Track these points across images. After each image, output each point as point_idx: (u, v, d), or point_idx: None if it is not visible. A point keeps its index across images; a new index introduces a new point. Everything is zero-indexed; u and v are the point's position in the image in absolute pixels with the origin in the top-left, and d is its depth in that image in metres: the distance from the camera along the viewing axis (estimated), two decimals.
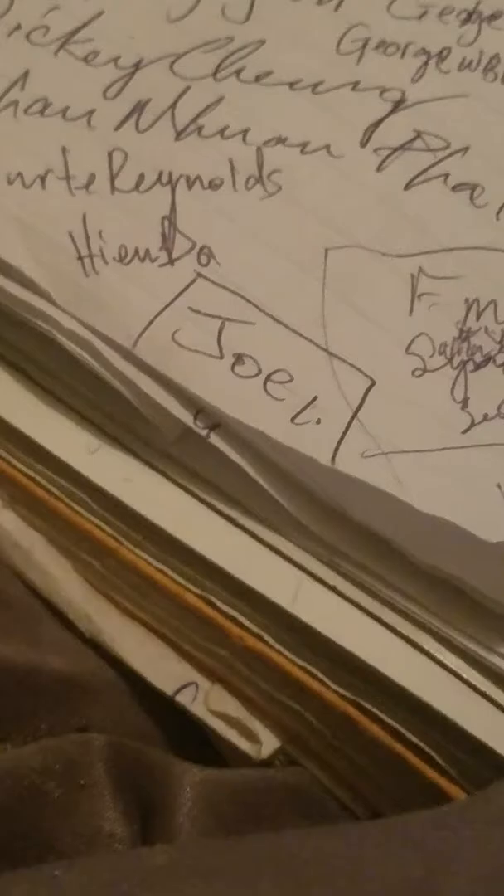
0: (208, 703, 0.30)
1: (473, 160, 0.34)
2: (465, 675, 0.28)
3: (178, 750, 0.30)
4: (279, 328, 0.31)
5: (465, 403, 0.30)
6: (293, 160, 0.34)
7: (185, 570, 0.30)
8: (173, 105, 0.34)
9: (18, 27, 0.36)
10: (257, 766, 0.30)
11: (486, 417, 0.30)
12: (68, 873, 0.24)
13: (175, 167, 0.33)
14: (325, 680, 0.29)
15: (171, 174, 0.33)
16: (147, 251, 0.32)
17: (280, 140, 0.34)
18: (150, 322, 0.31)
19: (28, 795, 0.27)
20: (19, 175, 0.33)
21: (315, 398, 0.30)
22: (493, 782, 0.27)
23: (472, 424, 0.30)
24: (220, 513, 0.30)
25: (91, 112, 0.34)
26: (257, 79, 0.35)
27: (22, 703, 0.29)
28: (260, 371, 0.30)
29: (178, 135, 0.34)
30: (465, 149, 0.34)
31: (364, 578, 0.29)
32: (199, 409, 0.30)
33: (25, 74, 0.35)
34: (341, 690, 0.29)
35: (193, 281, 0.31)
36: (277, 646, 0.29)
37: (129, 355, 0.30)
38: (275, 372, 0.30)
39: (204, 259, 0.32)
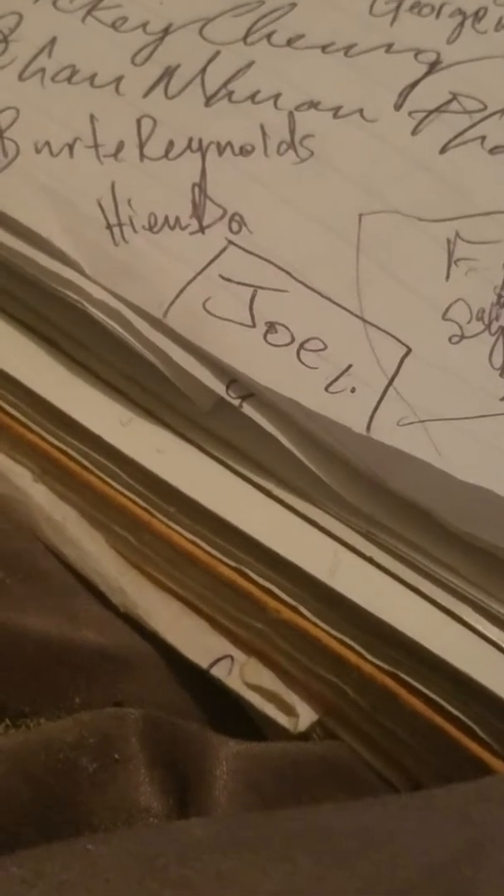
0: (244, 676, 0.30)
1: None
2: None
3: (214, 724, 0.30)
4: (312, 296, 0.30)
5: (503, 370, 0.29)
6: (326, 125, 0.33)
7: (220, 542, 0.30)
8: (203, 70, 0.34)
9: None
10: (294, 739, 0.29)
11: None
12: (103, 847, 0.24)
13: (205, 133, 0.33)
14: (363, 652, 0.28)
15: (200, 141, 0.33)
16: (177, 219, 0.31)
17: (312, 104, 0.33)
18: (181, 291, 0.30)
19: (62, 769, 0.27)
20: (47, 144, 0.32)
21: (350, 366, 0.29)
22: None
23: None
24: (255, 484, 0.30)
25: (119, 79, 0.34)
26: (289, 42, 0.34)
27: (57, 677, 0.29)
28: (293, 339, 0.30)
29: (208, 100, 0.33)
30: (503, 111, 0.33)
31: (402, 549, 0.29)
32: (231, 378, 0.30)
33: (53, 41, 0.34)
34: (380, 662, 0.28)
35: (224, 249, 0.31)
36: (314, 618, 0.29)
37: (159, 325, 0.30)
38: (308, 340, 0.30)
39: (235, 226, 0.31)
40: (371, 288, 0.30)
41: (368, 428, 0.28)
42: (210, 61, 0.34)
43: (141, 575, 0.31)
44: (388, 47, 0.34)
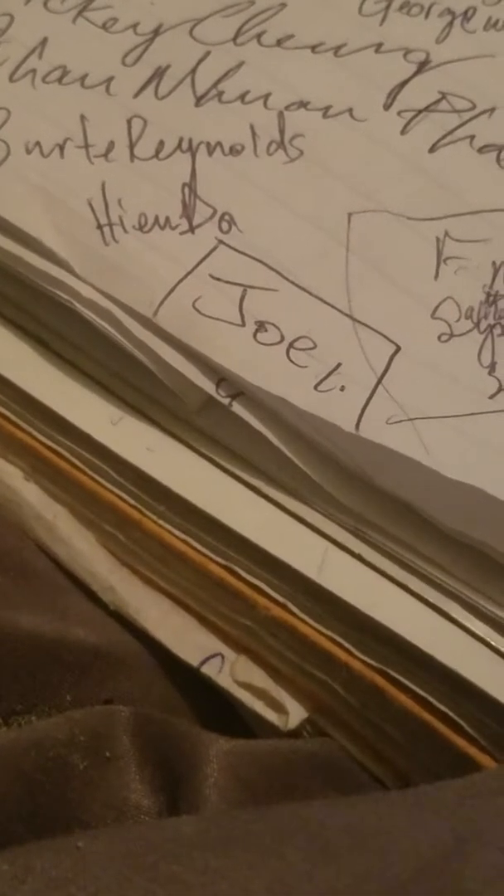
0: (234, 673, 0.30)
1: (500, 121, 0.33)
2: (493, 643, 0.28)
3: (204, 722, 0.30)
4: (302, 294, 0.30)
5: (492, 368, 0.30)
6: (315, 124, 0.33)
7: (210, 540, 0.30)
8: (193, 71, 0.34)
9: None
10: (285, 736, 0.29)
11: None
12: (92, 844, 0.24)
13: (195, 133, 0.33)
14: (352, 649, 0.28)
15: (191, 140, 0.33)
16: (167, 219, 0.31)
17: (302, 104, 0.33)
18: (171, 290, 0.30)
19: (53, 767, 0.27)
20: (37, 144, 0.32)
21: (339, 365, 0.29)
22: None
23: (500, 389, 0.29)
24: (244, 482, 0.30)
25: (110, 79, 0.34)
26: (278, 42, 0.35)
27: (47, 674, 0.29)
28: (283, 338, 0.30)
29: (199, 101, 0.33)
30: (492, 109, 0.33)
31: (390, 546, 0.29)
32: (221, 377, 0.30)
33: (44, 42, 0.34)
34: (368, 659, 0.28)
35: (214, 248, 0.31)
36: (303, 615, 0.29)
37: (149, 324, 0.30)
38: (298, 339, 0.30)
39: (225, 226, 0.31)
40: (361, 287, 0.31)
41: (358, 426, 0.28)
42: (200, 62, 0.34)
43: (131, 573, 0.31)
44: (378, 47, 0.35)
